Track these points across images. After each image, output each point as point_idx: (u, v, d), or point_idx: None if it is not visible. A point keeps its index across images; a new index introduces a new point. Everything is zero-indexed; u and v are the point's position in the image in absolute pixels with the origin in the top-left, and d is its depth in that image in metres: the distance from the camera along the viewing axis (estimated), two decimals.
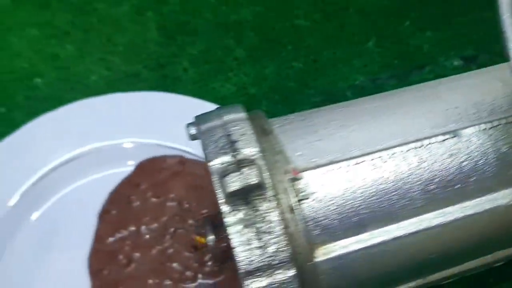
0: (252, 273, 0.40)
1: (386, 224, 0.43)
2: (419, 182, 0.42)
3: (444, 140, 0.43)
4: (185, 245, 0.62)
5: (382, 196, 0.42)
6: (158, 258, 0.61)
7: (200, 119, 0.45)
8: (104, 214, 0.64)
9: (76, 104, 0.67)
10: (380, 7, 0.77)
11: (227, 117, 0.45)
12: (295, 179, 0.42)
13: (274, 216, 0.40)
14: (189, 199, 0.64)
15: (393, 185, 0.42)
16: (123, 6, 0.77)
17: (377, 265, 0.43)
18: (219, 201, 0.40)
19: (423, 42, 0.75)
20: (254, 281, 0.40)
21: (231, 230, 0.40)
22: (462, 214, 0.43)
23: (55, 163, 0.65)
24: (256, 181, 0.40)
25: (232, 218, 0.40)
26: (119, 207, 0.64)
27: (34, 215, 0.63)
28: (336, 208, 0.42)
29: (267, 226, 0.40)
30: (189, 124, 0.46)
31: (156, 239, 0.62)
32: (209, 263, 0.61)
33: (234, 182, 0.40)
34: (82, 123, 0.66)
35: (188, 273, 0.60)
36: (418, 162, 0.43)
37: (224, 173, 0.41)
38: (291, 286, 0.41)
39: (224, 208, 0.40)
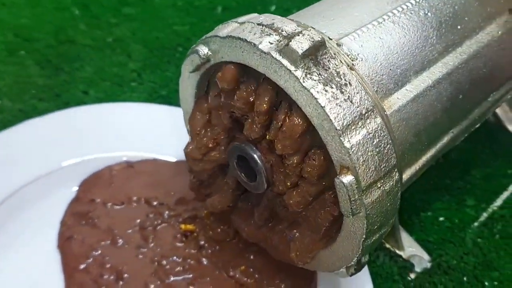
0: (348, 127, 0.39)
1: (421, 72, 0.45)
2: (432, 28, 0.46)
3: None
4: (173, 237, 0.56)
5: (411, 46, 0.45)
6: (150, 261, 0.54)
7: (210, 36, 0.44)
8: (65, 243, 0.55)
9: None
10: None
11: (241, 19, 0.44)
12: (339, 45, 0.42)
13: (345, 69, 0.40)
14: (153, 195, 0.58)
15: (415, 35, 0.45)
16: None
17: (427, 112, 0.45)
18: (289, 69, 0.38)
19: None
20: (352, 135, 0.39)
21: (313, 92, 0.38)
22: (470, 50, 0.47)
23: None
24: (320, 39, 0.40)
25: (309, 81, 0.39)
26: (79, 229, 0.56)
27: None
28: (381, 64, 0.43)
29: (343, 79, 0.40)
30: (194, 50, 0.44)
31: (138, 243, 0.55)
32: (206, 244, 0.56)
33: (303, 43, 0.39)
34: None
35: (191, 262, 0.54)
36: (424, 13, 0.46)
37: (279, 47, 0.39)
38: (383, 134, 0.40)
39: (298, 73, 0.39)
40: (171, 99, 0.67)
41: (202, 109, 0.48)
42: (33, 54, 0.70)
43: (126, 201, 0.58)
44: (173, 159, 0.61)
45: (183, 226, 0.56)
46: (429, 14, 0.46)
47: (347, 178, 0.39)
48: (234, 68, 0.43)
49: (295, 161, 0.42)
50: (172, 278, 0.53)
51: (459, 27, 0.47)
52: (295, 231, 0.47)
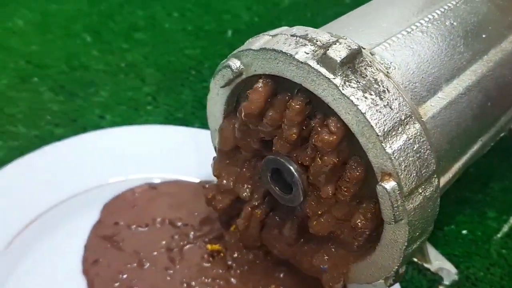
0: (389, 133, 0.39)
1: (451, 80, 0.45)
2: (459, 37, 0.47)
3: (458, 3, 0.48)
4: (200, 257, 0.55)
5: (440, 54, 0.45)
6: (179, 283, 0.53)
7: (242, 50, 0.44)
8: (91, 268, 0.54)
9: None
10: None
11: (273, 32, 0.44)
12: (372, 54, 0.43)
13: (382, 76, 0.40)
14: (177, 215, 0.58)
15: (443, 43, 0.46)
16: (2, 80, 0.70)
17: (459, 119, 0.45)
18: (327, 78, 0.39)
19: None
20: (393, 141, 0.39)
21: (353, 99, 0.39)
22: (496, 58, 0.48)
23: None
24: (356, 47, 0.40)
25: (349, 88, 0.39)
26: (105, 252, 0.55)
27: None
28: (413, 72, 0.44)
29: (381, 86, 0.40)
30: (226, 64, 0.44)
31: (165, 265, 0.54)
32: (234, 264, 0.55)
33: (340, 51, 0.39)
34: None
35: (220, 282, 0.54)
36: (450, 23, 0.47)
37: (316, 56, 0.40)
38: (422, 139, 0.40)
39: (336, 81, 0.39)
40: (188, 121, 0.67)
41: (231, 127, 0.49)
42: (46, 80, 0.69)
43: (150, 223, 0.57)
44: (196, 180, 0.60)
45: (209, 246, 0.56)
46: (455, 23, 0.47)
47: (390, 184, 0.39)
48: (264, 88, 0.43)
49: (331, 166, 0.41)
50: None
51: (484, 35, 0.48)
52: (326, 257, 0.46)
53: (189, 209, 0.58)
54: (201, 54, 0.75)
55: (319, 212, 0.44)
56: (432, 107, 0.43)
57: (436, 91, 0.44)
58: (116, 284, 0.53)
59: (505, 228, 0.62)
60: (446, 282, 0.56)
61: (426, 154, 0.40)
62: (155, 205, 0.59)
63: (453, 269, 0.57)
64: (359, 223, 0.42)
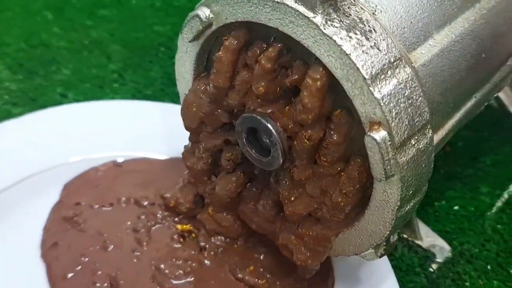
0: (377, 76, 0.34)
1: (442, 26, 0.41)
2: None
3: None
4: (170, 238, 0.50)
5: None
6: (147, 265, 0.48)
7: None
8: (49, 251, 0.49)
9: None
10: None
11: None
12: None
13: (367, 16, 0.36)
14: (144, 194, 0.53)
15: None
16: None
17: (453, 69, 0.41)
18: (307, 17, 0.34)
19: None
20: (382, 85, 0.35)
21: (336, 39, 0.34)
22: (489, 5, 0.44)
23: None
24: None
25: (331, 28, 0.35)
26: (65, 234, 0.50)
27: None
28: (401, 16, 0.39)
29: (367, 25, 0.36)
30: (195, 14, 0.39)
31: (131, 247, 0.49)
32: (208, 245, 0.50)
33: None
34: None
35: (193, 264, 0.49)
36: None
37: None
38: (414, 84, 0.36)
39: (317, 20, 0.35)
40: (157, 99, 0.63)
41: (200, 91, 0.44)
42: (4, 59, 0.65)
43: (114, 202, 0.52)
44: (164, 157, 0.55)
45: (179, 226, 0.50)
46: None
47: (380, 134, 0.34)
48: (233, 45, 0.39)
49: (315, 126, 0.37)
50: (173, 282, 0.47)
51: None
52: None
53: (157, 187, 0.53)
54: (171, 31, 0.71)
55: (292, 199, 0.40)
56: (422, 54, 0.39)
57: (426, 37, 0.40)
58: (78, 268, 0.48)
59: (499, 203, 0.58)
60: (439, 259, 0.52)
61: (418, 101, 0.36)
62: (120, 184, 0.54)
63: (446, 246, 0.53)
64: (340, 200, 0.37)
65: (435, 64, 0.39)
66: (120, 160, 0.55)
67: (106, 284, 0.47)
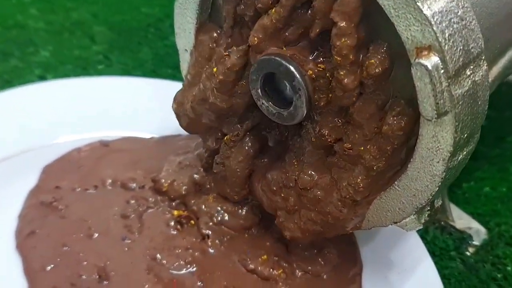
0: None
1: None
2: None
3: None
4: (165, 225, 0.43)
5: None
6: (141, 255, 0.41)
7: None
8: (25, 241, 0.41)
9: None
10: None
11: None
12: None
13: None
14: (132, 176, 0.46)
15: None
16: None
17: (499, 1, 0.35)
18: None
19: None
20: (431, 2, 0.28)
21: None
22: None
23: None
24: None
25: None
26: (43, 222, 0.43)
27: None
28: None
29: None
30: None
31: (121, 235, 0.42)
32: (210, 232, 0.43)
33: None
34: None
35: (195, 253, 0.42)
36: None
37: None
38: (466, 4, 0.30)
39: None
40: None
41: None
42: None
43: (99, 185, 0.45)
44: (155, 135, 0.49)
45: (175, 212, 0.43)
46: None
47: (431, 60, 0.28)
48: None
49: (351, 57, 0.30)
50: (173, 273, 0.40)
51: None
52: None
53: (145, 168, 0.46)
54: (160, 12, 0.65)
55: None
56: None
57: None
58: (59, 259, 0.40)
59: None
60: (476, 242, 0.45)
61: (472, 24, 0.29)
62: (105, 164, 0.47)
63: (482, 228, 0.46)
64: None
65: None
66: (108, 139, 0.48)
67: (94, 276, 0.40)
